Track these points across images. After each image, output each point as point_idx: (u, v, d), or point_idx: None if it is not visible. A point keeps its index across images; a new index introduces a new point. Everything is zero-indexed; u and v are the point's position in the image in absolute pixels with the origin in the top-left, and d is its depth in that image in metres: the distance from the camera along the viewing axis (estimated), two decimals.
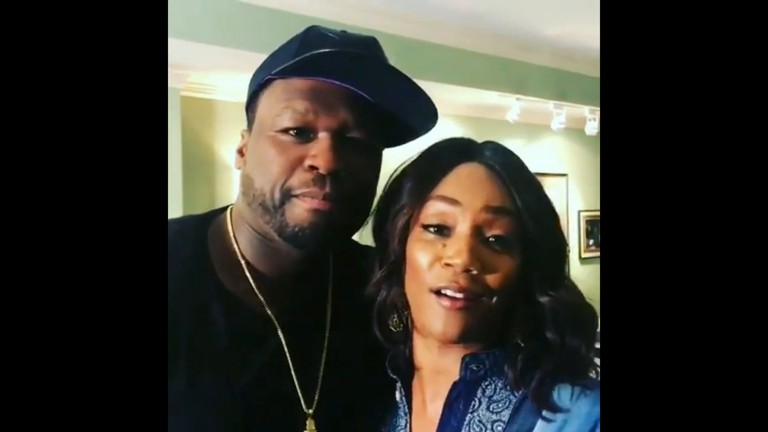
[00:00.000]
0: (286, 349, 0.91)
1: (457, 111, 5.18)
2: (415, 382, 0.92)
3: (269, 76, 0.90)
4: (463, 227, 0.83)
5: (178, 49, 3.33)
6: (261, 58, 0.97)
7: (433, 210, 0.85)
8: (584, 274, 5.85)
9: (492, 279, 0.83)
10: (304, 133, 0.87)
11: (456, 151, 0.89)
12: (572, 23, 4.06)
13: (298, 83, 0.87)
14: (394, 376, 0.91)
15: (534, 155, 5.66)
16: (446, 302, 0.82)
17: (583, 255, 6.25)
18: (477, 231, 0.83)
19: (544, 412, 0.81)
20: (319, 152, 0.85)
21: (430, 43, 4.27)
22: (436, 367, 0.89)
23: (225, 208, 1.00)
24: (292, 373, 0.90)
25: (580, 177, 6.14)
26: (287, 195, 0.86)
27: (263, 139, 0.89)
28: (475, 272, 0.81)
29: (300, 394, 0.90)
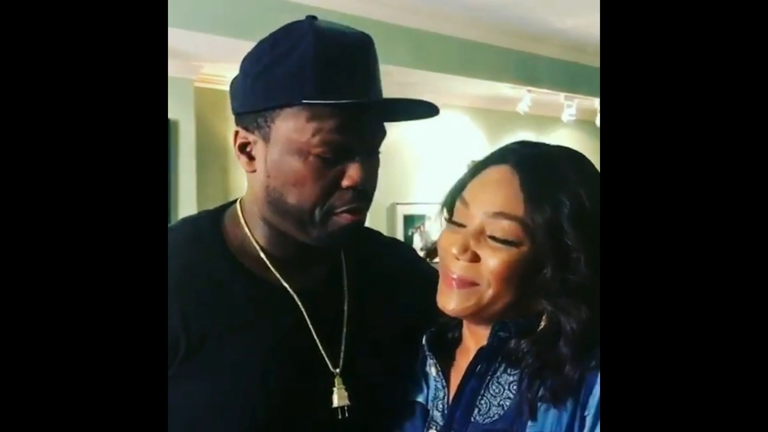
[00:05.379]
0: (306, 315, 0.98)
1: (468, 103, 5.17)
2: (454, 356, 1.01)
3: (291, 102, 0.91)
4: (471, 226, 0.93)
5: (191, 40, 3.36)
6: None
7: (456, 209, 0.96)
8: None
9: (486, 270, 0.91)
10: (340, 156, 0.92)
11: (496, 154, 0.98)
12: (584, 15, 4.05)
13: (328, 112, 0.90)
14: (429, 353, 1.00)
15: None
16: (448, 282, 0.94)
17: None
18: (481, 230, 0.92)
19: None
20: (357, 174, 0.92)
21: (442, 35, 4.26)
22: (467, 340, 1.00)
23: (233, 203, 1.05)
24: (315, 336, 0.98)
25: None
26: (329, 213, 0.94)
27: (295, 159, 0.92)
28: (465, 262, 0.91)
29: (325, 355, 0.98)
